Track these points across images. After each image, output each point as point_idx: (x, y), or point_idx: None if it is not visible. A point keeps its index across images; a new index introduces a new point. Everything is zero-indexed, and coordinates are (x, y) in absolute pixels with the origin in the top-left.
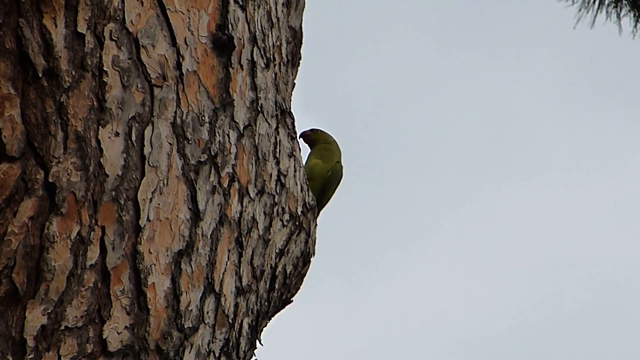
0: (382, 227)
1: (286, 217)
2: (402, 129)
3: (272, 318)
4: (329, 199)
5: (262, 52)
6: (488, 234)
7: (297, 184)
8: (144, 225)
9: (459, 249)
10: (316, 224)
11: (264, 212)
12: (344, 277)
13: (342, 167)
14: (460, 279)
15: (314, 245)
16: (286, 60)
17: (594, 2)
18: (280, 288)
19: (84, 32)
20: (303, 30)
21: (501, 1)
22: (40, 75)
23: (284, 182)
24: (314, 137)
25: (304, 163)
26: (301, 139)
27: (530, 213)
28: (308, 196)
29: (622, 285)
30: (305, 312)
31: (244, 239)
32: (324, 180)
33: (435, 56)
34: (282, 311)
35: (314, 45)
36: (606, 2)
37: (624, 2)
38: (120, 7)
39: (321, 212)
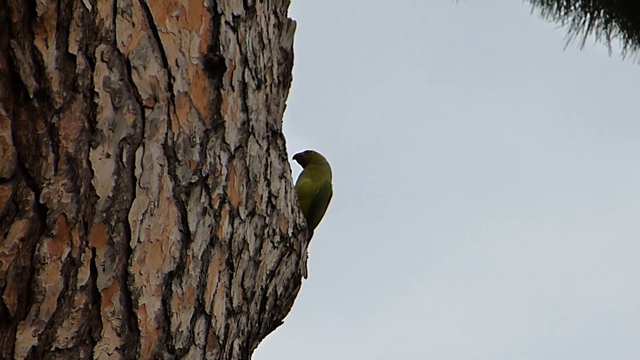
0: (380, 260)
1: (277, 238)
2: (400, 161)
3: (263, 339)
4: (320, 217)
5: (254, 74)
6: (486, 270)
7: (287, 206)
8: (135, 247)
9: (457, 285)
10: (307, 245)
11: (255, 234)
12: (341, 306)
13: (330, 185)
14: (457, 315)
15: (305, 267)
16: (277, 81)
17: (584, 23)
18: (271, 309)
19: (75, 54)
20: (294, 51)
21: (490, 31)
22: (31, 96)
23: (274, 203)
24: (307, 157)
25: (294, 184)
26: (295, 160)
27: (528, 250)
28: (299, 217)
29: (622, 325)
30: (301, 340)
31: (234, 260)
32: (314, 199)
33: (430, 87)
34: (272, 332)
35: (305, 67)
36: (596, 23)
37: (613, 23)
38: (111, 29)
39: (314, 230)
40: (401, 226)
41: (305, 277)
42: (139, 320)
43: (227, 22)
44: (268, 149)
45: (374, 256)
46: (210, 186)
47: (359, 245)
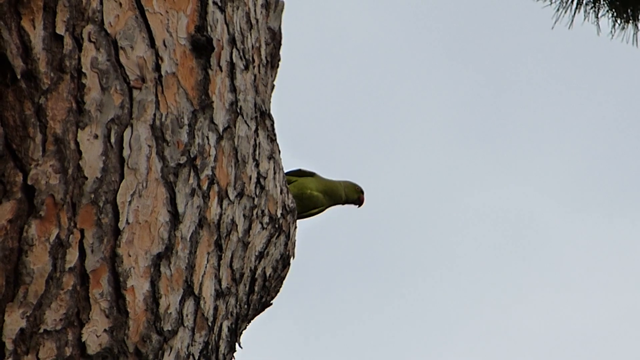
0: (399, 327)
1: (266, 219)
2: (417, 228)
3: (252, 321)
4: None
5: (242, 54)
6: (508, 338)
7: (276, 187)
8: (123, 228)
9: (481, 353)
10: (296, 227)
11: (244, 215)
12: None
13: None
14: None
15: (293, 248)
16: (265, 61)
17: (572, 1)
18: (259, 291)
19: (63, 34)
20: (282, 31)
21: (503, 95)
22: (18, 77)
23: (263, 184)
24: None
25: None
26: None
27: (548, 319)
28: (288, 198)
29: None
30: None
31: (223, 241)
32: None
33: (442, 153)
34: (261, 314)
35: (293, 47)
36: (584, 1)
37: (602, 2)
38: (98, 9)
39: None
40: (422, 295)
41: (293, 258)
42: (127, 302)
43: (214, 2)
44: (256, 129)
45: (394, 323)
46: (198, 167)
47: (382, 313)
